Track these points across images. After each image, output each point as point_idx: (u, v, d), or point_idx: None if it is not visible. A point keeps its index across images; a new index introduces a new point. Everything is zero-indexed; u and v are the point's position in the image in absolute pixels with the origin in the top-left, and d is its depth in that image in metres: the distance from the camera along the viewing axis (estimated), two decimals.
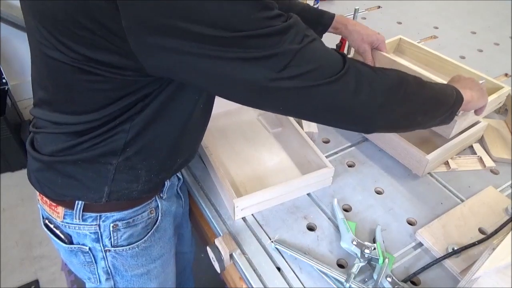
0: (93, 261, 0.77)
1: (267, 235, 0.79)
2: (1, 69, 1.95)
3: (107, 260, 0.76)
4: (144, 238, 0.78)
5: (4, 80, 1.96)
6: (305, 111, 0.61)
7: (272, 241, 0.77)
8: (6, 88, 1.98)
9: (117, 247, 0.75)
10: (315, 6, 1.48)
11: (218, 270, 0.78)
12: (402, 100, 0.65)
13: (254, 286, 0.72)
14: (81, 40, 0.52)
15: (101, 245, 0.74)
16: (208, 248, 0.78)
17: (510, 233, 0.62)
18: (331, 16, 1.00)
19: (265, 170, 0.91)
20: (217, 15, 0.48)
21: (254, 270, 0.74)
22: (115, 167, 0.66)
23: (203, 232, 0.89)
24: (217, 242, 0.76)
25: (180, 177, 0.90)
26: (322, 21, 0.99)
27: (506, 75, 1.26)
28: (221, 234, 0.79)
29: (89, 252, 0.75)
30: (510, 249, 0.60)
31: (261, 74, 0.53)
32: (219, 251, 0.75)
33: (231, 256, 0.76)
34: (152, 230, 0.79)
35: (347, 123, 0.65)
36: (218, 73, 0.53)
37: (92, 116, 0.60)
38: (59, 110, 0.63)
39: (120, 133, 0.62)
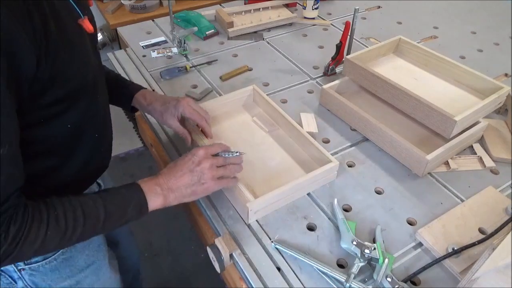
0: (12, 282, 0.75)
1: (267, 235, 0.79)
2: None
3: (24, 279, 0.75)
4: (62, 250, 0.75)
5: None
6: None
7: (272, 241, 0.78)
8: None
9: (31, 264, 0.73)
10: (315, 7, 1.48)
11: (218, 270, 0.78)
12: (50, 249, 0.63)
13: (254, 286, 0.72)
14: None
15: (13, 265, 0.72)
16: (208, 248, 0.77)
17: (510, 233, 0.62)
18: (131, 94, 0.94)
19: (269, 172, 0.91)
20: None
21: (254, 270, 0.74)
22: None
23: (203, 232, 0.89)
24: (217, 242, 0.76)
25: (101, 183, 0.90)
26: (121, 99, 0.95)
27: (506, 75, 1.26)
28: (221, 234, 0.79)
29: (4, 274, 0.73)
30: (510, 249, 0.60)
31: None
32: (219, 251, 0.75)
33: (231, 256, 0.76)
34: None
35: None
36: None
37: None
38: None
39: None
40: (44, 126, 0.64)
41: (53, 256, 0.75)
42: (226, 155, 0.79)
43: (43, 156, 0.68)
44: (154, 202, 0.70)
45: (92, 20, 0.70)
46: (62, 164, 0.71)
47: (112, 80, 0.93)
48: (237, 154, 0.80)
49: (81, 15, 0.66)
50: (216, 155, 0.78)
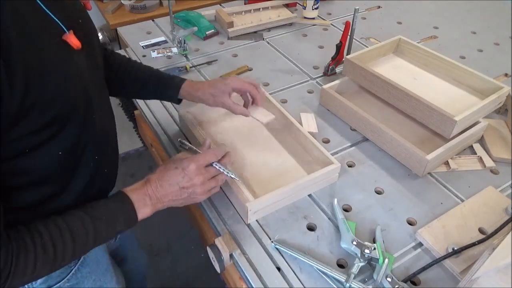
0: None
1: (267, 235, 0.79)
2: None
3: None
4: (67, 277, 0.73)
5: None
6: None
7: (272, 241, 0.78)
8: None
9: None
10: (315, 7, 1.48)
11: (218, 270, 0.78)
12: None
13: (254, 286, 0.72)
14: None
15: None
16: (208, 248, 0.78)
17: (510, 233, 0.62)
18: (177, 87, 0.92)
19: (270, 172, 0.91)
20: None
21: (254, 270, 0.74)
22: None
23: (203, 232, 0.89)
24: (217, 242, 0.76)
25: None
26: (168, 93, 0.94)
27: (506, 75, 1.26)
28: (221, 234, 0.79)
29: None
30: (510, 249, 0.60)
31: None
32: (219, 251, 0.76)
33: (231, 256, 0.76)
34: (76, 267, 0.74)
35: None
36: None
37: None
38: None
39: None
40: (32, 155, 0.60)
41: (58, 285, 0.73)
42: (221, 170, 0.75)
43: (38, 185, 0.64)
44: (143, 213, 0.69)
45: (85, 31, 0.65)
46: (60, 190, 0.68)
47: (153, 75, 0.93)
48: (232, 176, 0.76)
49: (65, 30, 0.60)
50: (210, 165, 0.74)
